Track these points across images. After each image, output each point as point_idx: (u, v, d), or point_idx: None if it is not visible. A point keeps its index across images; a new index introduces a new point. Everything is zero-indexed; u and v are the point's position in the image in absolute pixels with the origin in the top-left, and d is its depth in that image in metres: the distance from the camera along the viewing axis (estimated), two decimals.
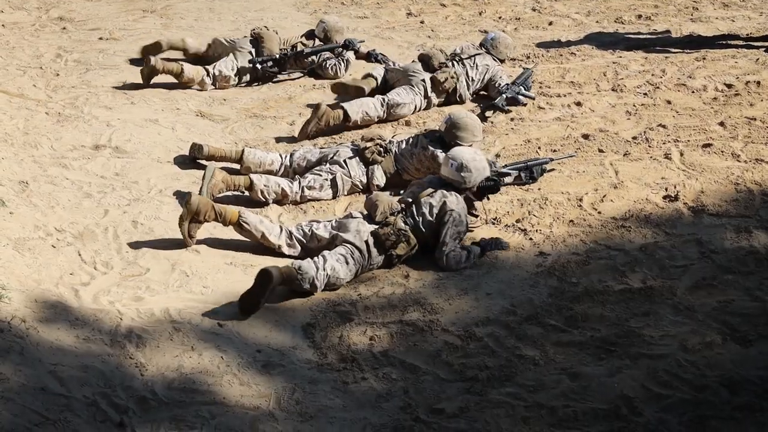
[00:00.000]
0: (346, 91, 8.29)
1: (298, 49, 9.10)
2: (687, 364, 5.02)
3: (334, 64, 9.06)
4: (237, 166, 7.13)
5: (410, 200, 6.27)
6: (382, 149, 7.09)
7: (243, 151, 7.16)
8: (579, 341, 5.28)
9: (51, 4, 11.17)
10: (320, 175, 6.96)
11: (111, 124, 7.93)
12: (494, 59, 8.64)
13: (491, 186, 6.41)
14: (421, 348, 5.29)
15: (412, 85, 8.35)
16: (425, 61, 8.51)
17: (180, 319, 5.44)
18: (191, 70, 8.79)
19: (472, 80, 8.52)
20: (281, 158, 7.17)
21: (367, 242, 6.01)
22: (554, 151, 7.52)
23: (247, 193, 6.83)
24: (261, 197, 6.78)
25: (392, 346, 5.31)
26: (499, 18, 10.70)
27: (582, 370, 5.03)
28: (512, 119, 8.14)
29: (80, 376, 4.82)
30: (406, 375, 5.08)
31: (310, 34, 9.31)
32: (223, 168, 6.90)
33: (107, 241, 6.21)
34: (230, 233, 6.34)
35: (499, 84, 8.46)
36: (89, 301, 5.53)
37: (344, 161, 7.02)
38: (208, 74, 8.84)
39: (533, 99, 8.44)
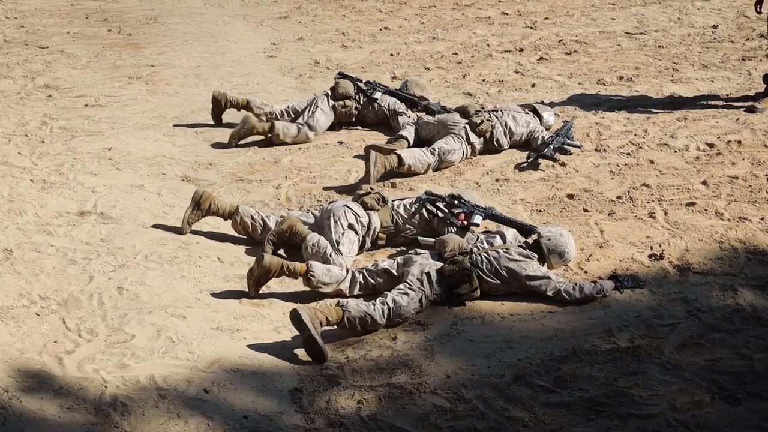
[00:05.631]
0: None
1: (375, 92, 9.41)
2: (676, 424, 5.00)
3: (406, 121, 9.17)
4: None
5: (484, 245, 6.51)
6: (380, 198, 7.16)
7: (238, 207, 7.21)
8: (568, 402, 5.25)
9: (36, 72, 11.24)
10: (337, 233, 6.88)
11: (96, 191, 7.93)
12: (539, 122, 8.94)
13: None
14: (409, 411, 5.24)
15: (455, 133, 8.58)
16: (461, 111, 8.82)
17: (166, 386, 5.38)
18: (281, 127, 9.01)
19: (510, 130, 8.75)
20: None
21: (428, 274, 6.23)
22: (540, 211, 7.56)
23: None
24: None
25: (380, 410, 5.26)
26: (483, 80, 10.81)
27: None
28: (497, 180, 8.19)
29: None
30: None
31: (390, 92, 9.56)
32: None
33: (92, 308, 6.17)
34: (216, 298, 6.34)
35: (542, 137, 8.68)
36: (73, 370, 5.47)
37: (345, 206, 7.01)
38: (307, 126, 9.09)
39: (580, 147, 8.63)
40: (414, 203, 7.16)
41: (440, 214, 7.03)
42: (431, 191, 7.28)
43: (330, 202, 7.31)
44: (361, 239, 6.99)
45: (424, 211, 7.09)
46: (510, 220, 7.07)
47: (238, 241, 7.17)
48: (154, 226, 7.36)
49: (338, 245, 6.80)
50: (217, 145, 9.03)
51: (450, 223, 7.00)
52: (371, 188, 7.33)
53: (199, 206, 7.15)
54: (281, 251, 6.94)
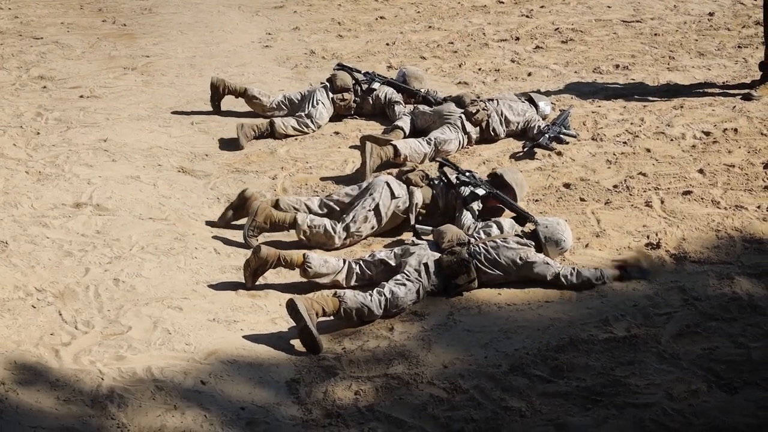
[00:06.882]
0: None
1: (373, 84, 9.41)
2: (673, 413, 5.00)
3: (401, 111, 9.16)
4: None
5: (481, 236, 6.52)
6: (424, 176, 7.26)
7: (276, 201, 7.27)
8: (565, 391, 5.25)
9: (31, 63, 11.20)
10: (363, 208, 7.00)
11: (92, 182, 7.92)
12: (535, 111, 8.93)
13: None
14: (406, 402, 5.24)
15: (451, 123, 8.62)
16: (457, 101, 8.84)
17: (162, 378, 5.38)
18: (281, 124, 8.98)
19: (506, 119, 8.75)
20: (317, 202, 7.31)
21: (426, 264, 6.22)
22: (536, 201, 7.56)
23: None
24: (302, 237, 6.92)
25: (377, 401, 5.27)
26: (479, 70, 10.79)
27: (568, 421, 5.00)
28: (494, 169, 8.17)
29: None
30: (392, 430, 5.03)
31: (389, 83, 9.53)
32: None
33: (88, 300, 6.17)
34: (212, 289, 6.34)
35: (538, 127, 8.69)
36: (70, 362, 5.47)
37: (386, 183, 7.10)
38: (308, 117, 9.05)
39: (576, 137, 8.62)
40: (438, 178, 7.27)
41: (446, 180, 7.15)
42: (444, 158, 7.51)
43: (376, 176, 7.43)
44: (385, 220, 7.05)
45: (453, 187, 7.16)
46: (511, 203, 7.08)
47: (235, 232, 7.16)
48: (150, 217, 7.35)
49: (351, 220, 6.93)
50: (231, 143, 8.95)
51: (459, 194, 7.07)
52: (415, 165, 7.47)
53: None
54: (279, 242, 6.94)
